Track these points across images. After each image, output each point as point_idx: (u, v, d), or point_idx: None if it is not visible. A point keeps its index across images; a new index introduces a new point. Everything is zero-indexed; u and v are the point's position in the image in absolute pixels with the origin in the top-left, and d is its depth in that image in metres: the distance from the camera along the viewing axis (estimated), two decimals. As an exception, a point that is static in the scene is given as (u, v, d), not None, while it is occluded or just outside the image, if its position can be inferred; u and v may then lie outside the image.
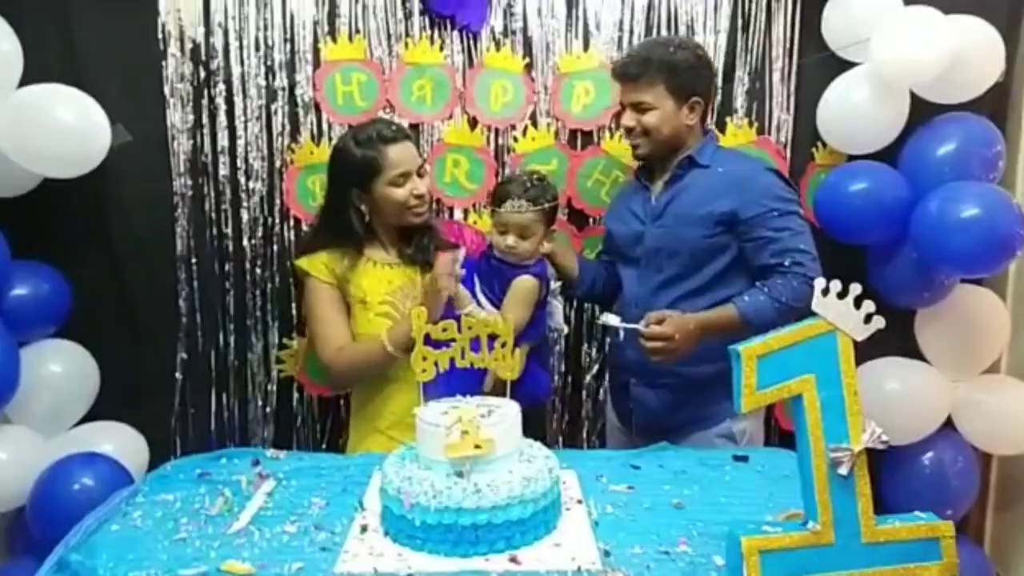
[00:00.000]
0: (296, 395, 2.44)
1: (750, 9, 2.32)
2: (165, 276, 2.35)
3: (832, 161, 2.34)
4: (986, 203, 1.99)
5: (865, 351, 1.92)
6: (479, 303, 1.94)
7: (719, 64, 2.30)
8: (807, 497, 1.21)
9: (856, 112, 2.22)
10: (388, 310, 1.91)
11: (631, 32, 2.33)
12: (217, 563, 1.25)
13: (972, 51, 2.09)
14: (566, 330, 2.19)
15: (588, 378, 2.44)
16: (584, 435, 2.45)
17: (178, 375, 2.39)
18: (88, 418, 2.28)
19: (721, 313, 1.78)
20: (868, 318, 1.23)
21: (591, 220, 2.39)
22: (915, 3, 2.12)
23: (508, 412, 1.39)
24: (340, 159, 1.94)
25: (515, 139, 2.35)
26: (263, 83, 2.32)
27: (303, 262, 1.95)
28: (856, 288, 1.24)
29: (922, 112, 2.23)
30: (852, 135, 2.25)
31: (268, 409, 2.43)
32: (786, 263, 1.78)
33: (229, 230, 2.36)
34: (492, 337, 1.43)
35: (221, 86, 2.30)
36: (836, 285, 1.24)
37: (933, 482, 2.35)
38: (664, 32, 2.32)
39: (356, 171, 1.91)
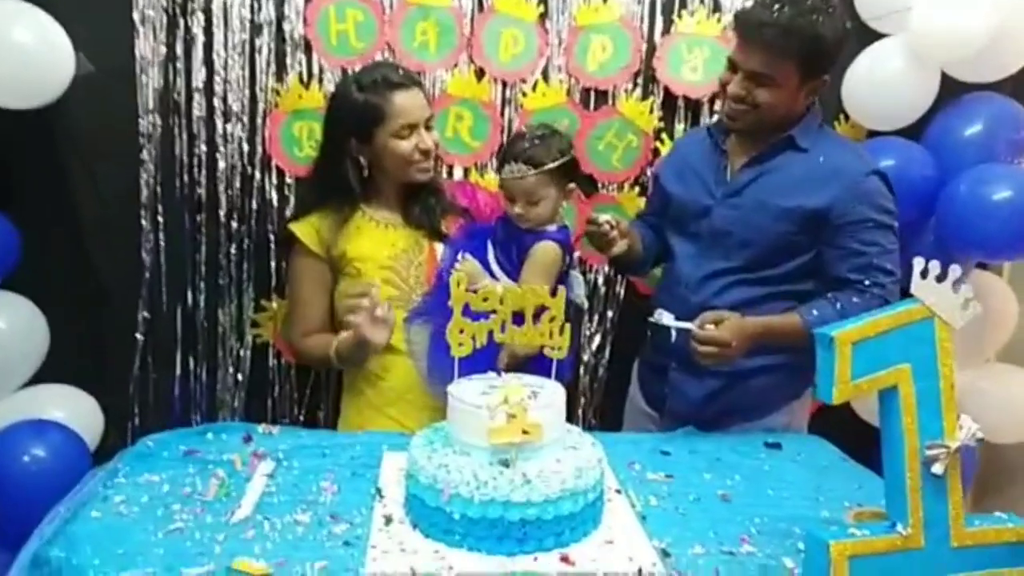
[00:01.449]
0: (273, 362, 2.23)
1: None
2: (127, 225, 2.10)
3: (852, 136, 2.24)
4: (1018, 186, 1.92)
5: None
6: (492, 274, 1.77)
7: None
8: (895, 497, 1.11)
9: (885, 86, 2.11)
10: (391, 276, 1.72)
11: (653, -14, 2.17)
12: (225, 560, 1.07)
13: (1007, 29, 2.00)
14: (586, 305, 2.04)
15: (587, 355, 2.31)
16: (580, 414, 2.32)
17: (139, 336, 2.15)
18: (35, 380, 2.03)
19: (785, 322, 1.60)
20: (966, 304, 1.13)
21: (600, 187, 2.24)
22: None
23: (555, 394, 1.25)
24: (339, 103, 1.75)
25: (524, 94, 2.17)
26: (247, 15, 2.07)
27: (294, 226, 1.77)
28: (956, 270, 1.14)
29: (947, 90, 2.15)
30: (879, 110, 2.15)
31: (240, 377, 2.22)
32: (866, 282, 1.59)
33: (203, 177, 2.12)
34: (540, 310, 1.27)
35: (199, 15, 2.05)
36: (935, 267, 1.13)
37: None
38: (688, -13, 2.16)
39: (356, 118, 1.71)
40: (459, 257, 1.76)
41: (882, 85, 2.12)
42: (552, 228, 1.76)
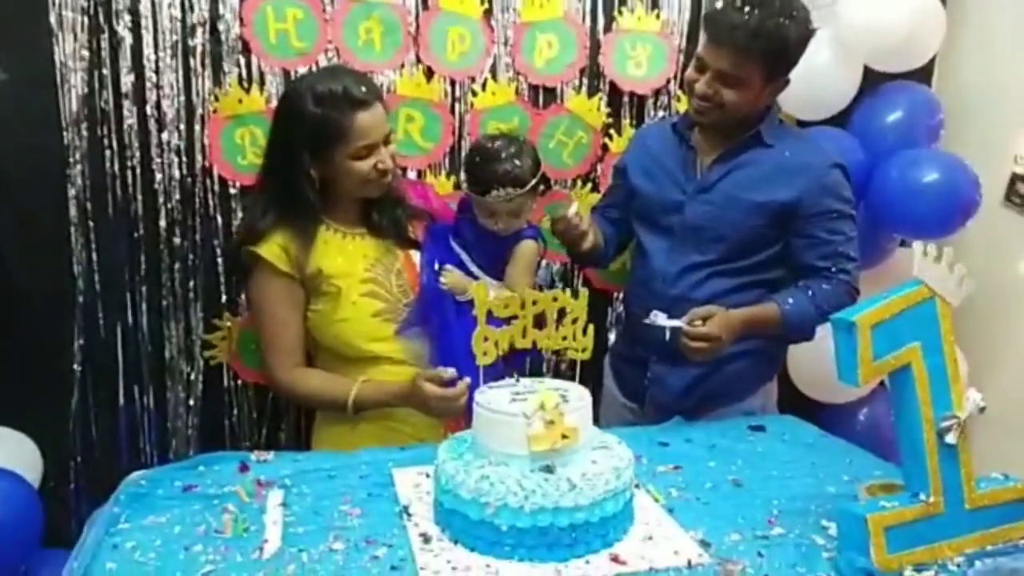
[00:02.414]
0: (226, 384, 2.11)
1: (715, -34, 2.26)
2: (56, 246, 1.93)
3: (784, 126, 2.36)
4: (945, 169, 2.08)
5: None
6: (474, 277, 1.75)
7: (682, 20, 2.22)
8: (914, 468, 1.18)
9: (814, 76, 2.22)
10: (374, 288, 1.67)
11: (594, -18, 2.19)
12: (274, 601, 1.01)
13: (921, 22, 2.17)
14: (559, 287, 2.06)
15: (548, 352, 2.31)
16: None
17: (75, 366, 1.98)
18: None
19: (765, 312, 1.67)
20: (960, 282, 1.22)
21: (553, 183, 2.24)
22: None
23: (583, 396, 1.25)
24: (292, 115, 1.60)
25: (473, 93, 2.15)
26: (178, 15, 1.94)
27: (259, 248, 1.62)
28: (949, 252, 1.22)
29: (867, 80, 2.30)
30: (810, 99, 2.27)
31: (192, 402, 2.09)
32: (833, 268, 1.68)
33: (138, 191, 1.97)
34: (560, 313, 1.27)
35: (125, 16, 1.90)
36: (933, 249, 1.21)
37: (868, 438, 2.47)
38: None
39: (311, 134, 1.57)
40: (437, 267, 1.73)
41: (811, 76, 2.24)
42: (574, 208, 1.75)
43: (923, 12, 2.15)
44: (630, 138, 2.04)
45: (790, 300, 1.68)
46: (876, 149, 2.24)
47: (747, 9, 1.59)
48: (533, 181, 1.73)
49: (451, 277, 1.70)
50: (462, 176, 1.95)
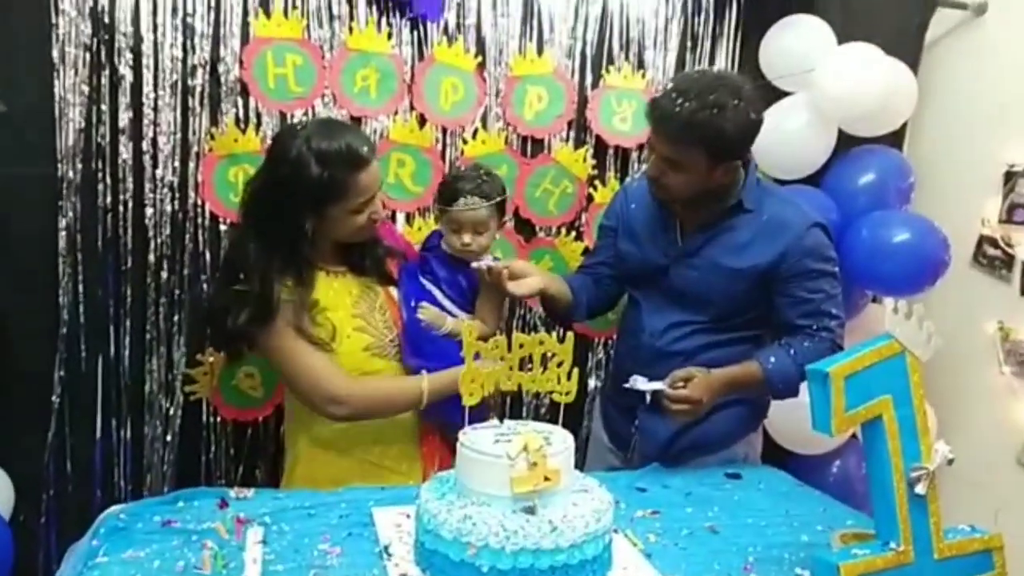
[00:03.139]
0: (205, 420, 2.10)
1: (698, 32, 2.36)
2: (43, 277, 1.94)
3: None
4: (916, 230, 2.17)
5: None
6: (450, 312, 1.79)
7: (666, 79, 2.31)
8: (886, 518, 1.22)
9: (790, 138, 2.33)
10: (362, 323, 1.69)
11: (584, 42, 2.28)
12: (255, 638, 1.01)
13: (893, 90, 2.27)
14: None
15: (529, 396, 2.34)
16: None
17: (55, 398, 1.97)
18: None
19: (746, 372, 1.70)
20: (930, 339, 1.27)
21: (538, 231, 2.31)
22: (848, 41, 2.28)
23: (566, 439, 1.28)
24: (294, 174, 1.57)
25: (464, 140, 2.21)
26: (179, 55, 1.98)
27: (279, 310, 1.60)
28: (920, 309, 1.28)
29: (840, 142, 2.40)
30: (785, 160, 2.36)
31: (169, 437, 2.08)
32: (815, 326, 1.70)
33: (128, 225, 1.99)
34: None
35: (128, 55, 1.94)
36: (904, 305, 1.27)
37: (841, 489, 2.51)
38: (616, 43, 2.29)
39: (313, 193, 1.57)
40: (413, 304, 1.77)
41: (787, 137, 2.33)
42: (490, 258, 1.79)
43: (895, 81, 2.26)
44: (614, 194, 2.08)
45: (772, 359, 1.70)
46: (849, 209, 2.32)
47: (680, 100, 1.61)
48: (497, 198, 1.79)
49: (428, 312, 1.74)
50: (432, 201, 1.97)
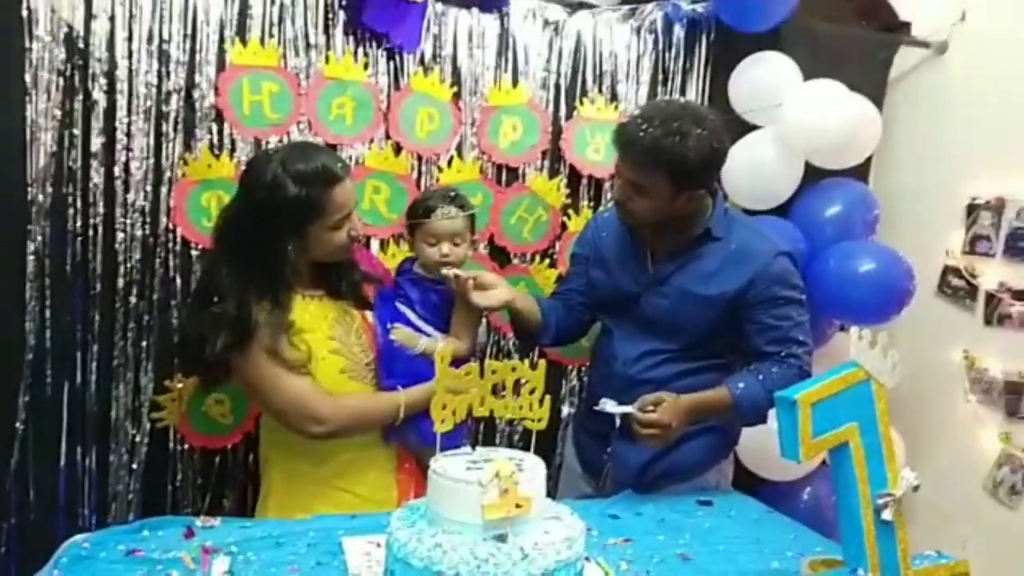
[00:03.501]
0: (172, 447, 2.07)
1: (669, 66, 2.41)
2: (9, 302, 1.90)
3: (732, 213, 2.48)
4: (881, 260, 2.22)
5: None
6: (423, 332, 1.80)
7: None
8: (853, 544, 1.23)
9: (759, 170, 2.38)
10: (339, 347, 1.69)
11: (558, 74, 2.33)
12: (219, 670, 0.99)
13: (859, 124, 2.34)
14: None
15: (502, 423, 2.34)
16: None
17: (18, 425, 1.93)
18: None
19: (715, 397, 1.72)
20: (894, 367, 1.30)
21: (513, 257, 2.32)
22: (813, 77, 2.35)
23: (538, 466, 1.27)
24: (272, 196, 1.58)
25: (440, 169, 2.23)
26: (154, 81, 1.98)
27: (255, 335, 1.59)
28: (884, 338, 1.30)
29: (807, 175, 2.45)
30: (753, 191, 2.41)
31: (135, 465, 2.04)
32: (783, 353, 1.72)
33: (98, 249, 1.97)
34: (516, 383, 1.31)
35: (102, 80, 1.94)
36: (868, 334, 1.29)
37: (811, 515, 2.53)
38: (589, 76, 2.34)
39: (292, 213, 1.60)
40: (388, 326, 1.78)
41: (756, 169, 2.39)
42: (464, 259, 1.84)
43: (860, 116, 2.33)
44: (586, 223, 2.11)
45: (740, 385, 1.71)
46: (817, 240, 2.38)
47: (645, 126, 1.65)
48: (472, 210, 1.85)
49: (400, 333, 1.76)
50: (404, 223, 1.96)
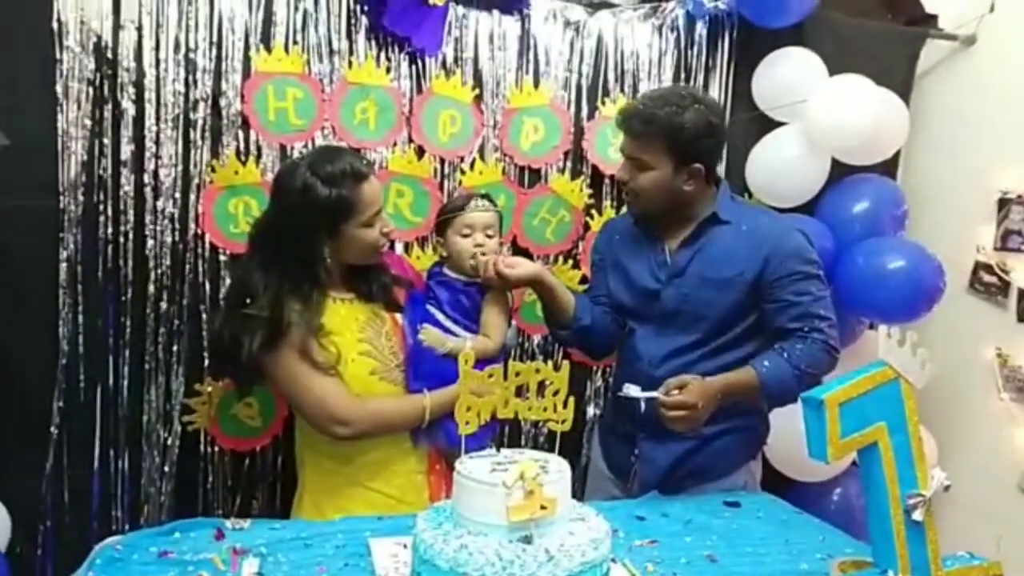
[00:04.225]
0: (204, 450, 2.10)
1: (692, 64, 2.40)
2: (43, 309, 1.95)
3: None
4: (910, 257, 2.18)
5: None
6: (452, 332, 1.82)
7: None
8: (883, 545, 1.22)
9: (784, 168, 2.36)
10: (369, 348, 1.71)
11: (580, 74, 2.32)
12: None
13: (884, 119, 2.31)
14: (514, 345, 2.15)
15: (527, 424, 2.34)
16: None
17: (53, 428, 1.97)
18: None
19: (742, 376, 1.71)
20: (923, 365, 1.28)
21: (536, 259, 2.32)
22: (839, 72, 2.32)
23: (562, 467, 1.27)
24: (304, 200, 1.63)
25: (462, 171, 2.24)
26: (181, 89, 2.02)
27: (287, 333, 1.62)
28: (913, 336, 1.29)
29: (833, 171, 2.42)
30: (779, 189, 2.39)
31: (167, 468, 2.07)
32: (805, 328, 1.73)
33: (129, 256, 2.01)
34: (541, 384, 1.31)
35: (130, 89, 1.97)
36: (897, 332, 1.27)
37: (841, 516, 2.50)
38: (611, 75, 2.34)
39: (326, 213, 1.64)
40: (418, 327, 1.80)
41: (781, 167, 2.37)
42: (496, 254, 1.86)
43: (886, 111, 2.30)
44: (599, 230, 2.15)
45: (766, 363, 1.72)
46: (844, 237, 2.35)
47: (645, 102, 1.80)
48: (500, 211, 1.93)
49: (428, 333, 1.77)
50: (430, 225, 2.03)
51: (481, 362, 1.56)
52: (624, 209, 2.30)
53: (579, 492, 2.12)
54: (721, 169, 2.45)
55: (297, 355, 1.62)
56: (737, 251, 1.79)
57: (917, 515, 1.20)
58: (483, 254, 1.83)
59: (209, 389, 2.06)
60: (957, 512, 2.29)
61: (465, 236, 1.85)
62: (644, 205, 1.84)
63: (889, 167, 2.54)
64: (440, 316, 1.85)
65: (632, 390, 1.68)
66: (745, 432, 1.83)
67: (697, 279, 1.80)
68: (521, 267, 1.83)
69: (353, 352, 1.68)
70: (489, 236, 1.86)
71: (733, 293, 1.78)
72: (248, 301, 1.63)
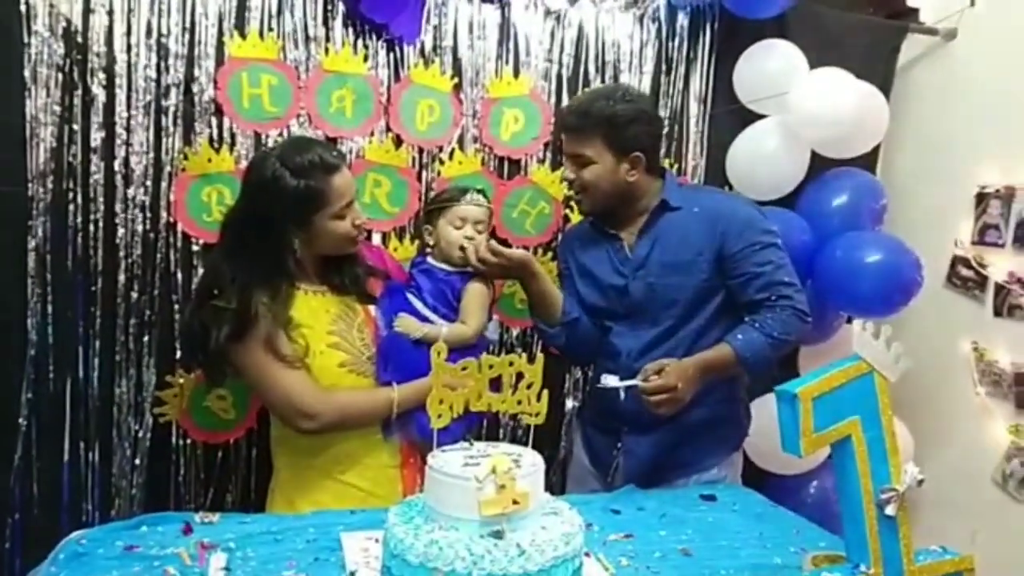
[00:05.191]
0: (175, 442, 2.07)
1: (673, 56, 2.39)
2: (11, 298, 1.91)
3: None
4: (888, 251, 2.18)
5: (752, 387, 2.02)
6: (429, 321, 1.81)
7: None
8: (855, 540, 1.22)
9: (764, 160, 2.36)
10: (338, 340, 1.68)
11: (560, 64, 2.30)
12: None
13: (865, 113, 2.30)
14: (496, 339, 2.13)
15: (505, 417, 2.33)
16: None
17: (22, 421, 1.93)
18: None
19: (718, 353, 1.74)
20: (897, 359, 1.28)
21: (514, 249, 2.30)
22: (820, 65, 2.31)
23: (535, 461, 1.26)
24: (272, 190, 1.62)
25: (441, 162, 2.21)
26: (153, 75, 1.98)
27: (256, 324, 1.60)
28: (887, 330, 1.28)
29: (813, 165, 2.42)
30: (759, 182, 2.38)
31: (138, 460, 2.04)
32: (773, 297, 1.75)
33: (99, 245, 1.97)
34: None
35: (101, 75, 1.93)
36: (871, 326, 1.27)
37: (817, 509, 2.51)
38: (591, 66, 2.32)
39: (295, 204, 1.62)
40: (393, 317, 1.78)
41: (761, 159, 2.36)
42: (470, 270, 1.86)
43: (867, 105, 2.29)
44: (559, 241, 2.18)
45: (739, 336, 1.74)
46: (823, 230, 2.35)
47: (580, 98, 1.90)
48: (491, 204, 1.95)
49: (403, 321, 1.76)
50: (428, 208, 1.98)
51: (457, 350, 1.55)
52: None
53: (557, 484, 2.12)
54: (702, 162, 2.47)
55: (263, 347, 1.59)
56: (693, 233, 1.82)
57: (890, 510, 1.20)
58: (472, 244, 1.83)
59: (181, 381, 2.03)
60: (933, 506, 2.30)
61: (457, 228, 1.86)
62: (592, 201, 1.86)
63: (869, 161, 2.54)
64: (419, 305, 1.84)
65: (611, 380, 1.68)
66: (726, 425, 1.84)
67: (659, 267, 1.83)
68: (511, 251, 1.86)
69: (322, 344, 1.65)
70: (479, 231, 1.87)
71: (697, 274, 1.80)
72: (216, 292, 1.61)
